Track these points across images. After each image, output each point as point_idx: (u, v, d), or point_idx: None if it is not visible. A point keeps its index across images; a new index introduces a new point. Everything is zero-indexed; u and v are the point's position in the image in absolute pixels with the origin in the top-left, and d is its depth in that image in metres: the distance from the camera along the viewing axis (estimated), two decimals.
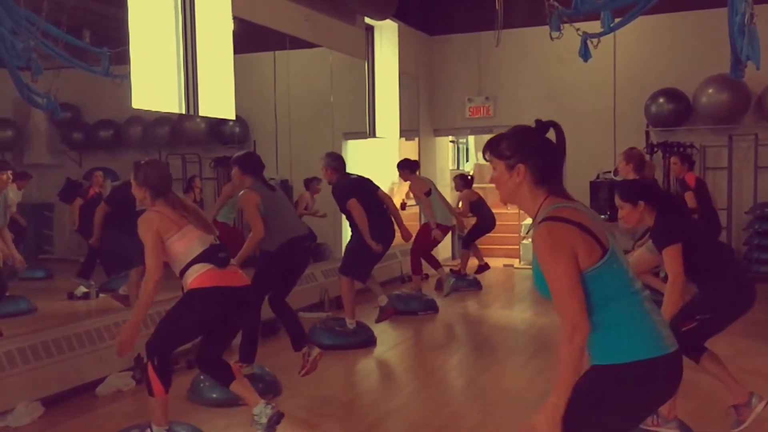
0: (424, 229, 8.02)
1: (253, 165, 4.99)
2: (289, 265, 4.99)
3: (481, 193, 9.70)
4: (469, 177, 9.48)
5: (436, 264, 8.22)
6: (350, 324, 6.21)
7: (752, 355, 5.56)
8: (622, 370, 2.07)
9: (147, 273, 3.48)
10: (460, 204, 9.25)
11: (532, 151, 2.19)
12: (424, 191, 7.84)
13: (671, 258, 3.61)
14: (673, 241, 3.62)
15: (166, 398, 3.61)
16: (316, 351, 4.85)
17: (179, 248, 3.45)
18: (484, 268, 9.18)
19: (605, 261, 2.08)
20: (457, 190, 9.47)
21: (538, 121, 2.23)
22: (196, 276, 3.45)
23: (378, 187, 6.42)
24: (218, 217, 7.58)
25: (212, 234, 3.58)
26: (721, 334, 3.79)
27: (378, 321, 6.38)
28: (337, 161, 6.10)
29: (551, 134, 2.23)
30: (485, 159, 2.32)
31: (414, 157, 10.74)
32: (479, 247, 9.44)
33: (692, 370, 3.82)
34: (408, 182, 8.08)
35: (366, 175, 6.43)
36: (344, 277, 6.12)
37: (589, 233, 2.08)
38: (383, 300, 6.31)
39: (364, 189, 6.14)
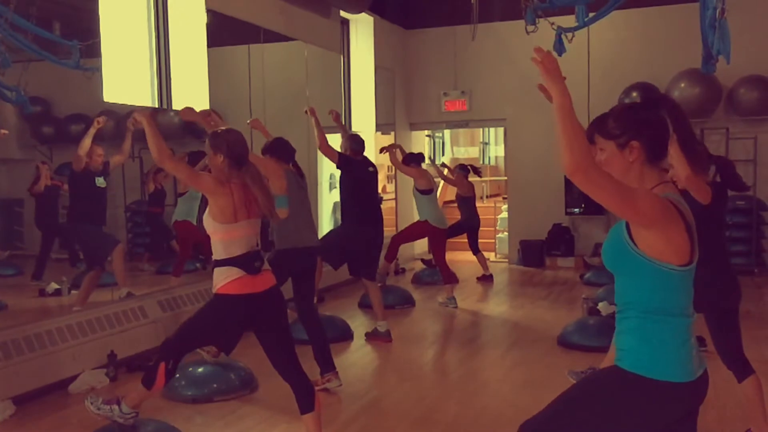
0: (420, 226, 7.91)
1: (283, 150, 4.81)
2: (296, 274, 4.82)
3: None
4: (469, 167, 9.45)
5: (451, 278, 7.89)
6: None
7: None
8: (647, 383, 2.02)
9: (170, 154, 3.44)
10: (446, 172, 9.44)
11: (644, 125, 2.08)
12: (426, 188, 7.72)
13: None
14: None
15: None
16: (336, 383, 4.78)
17: (223, 238, 3.38)
18: (429, 263, 9.40)
19: (687, 270, 2.04)
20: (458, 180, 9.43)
21: (644, 97, 2.15)
22: (227, 282, 3.37)
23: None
24: (178, 216, 7.49)
25: (258, 232, 3.51)
26: (701, 325, 3.81)
27: (368, 339, 6.27)
28: (358, 145, 5.99)
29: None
30: (590, 142, 2.11)
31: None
32: (454, 242, 9.46)
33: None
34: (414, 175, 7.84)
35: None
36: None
37: (690, 234, 2.02)
38: (383, 326, 6.20)
39: (368, 181, 6.05)
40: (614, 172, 2.07)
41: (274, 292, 3.49)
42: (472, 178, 9.56)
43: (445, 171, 9.79)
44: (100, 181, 6.43)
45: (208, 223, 3.41)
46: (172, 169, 3.44)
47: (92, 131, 6.17)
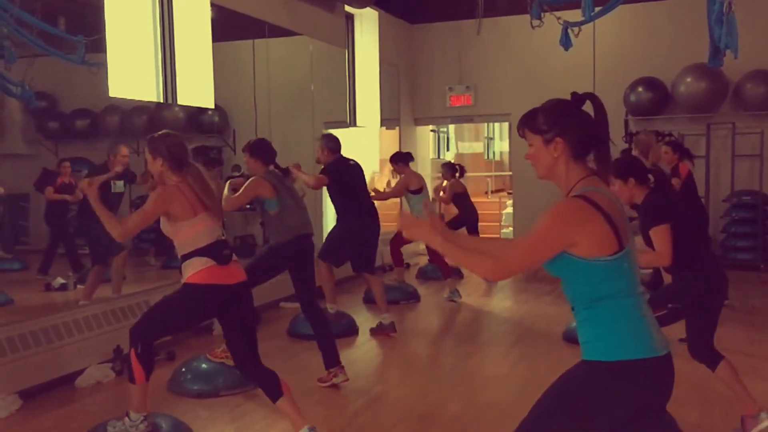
0: None
1: (265, 151, 4.86)
2: (293, 263, 4.87)
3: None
4: (457, 166, 9.44)
5: (451, 272, 7.95)
6: (331, 308, 6.18)
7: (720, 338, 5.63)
8: (609, 367, 2.05)
9: (122, 225, 3.41)
10: (442, 193, 9.26)
11: (569, 123, 2.13)
12: (416, 188, 7.74)
13: (659, 238, 3.57)
14: (661, 221, 3.60)
15: (147, 385, 3.58)
16: (342, 377, 4.80)
17: (187, 234, 3.39)
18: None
19: (618, 257, 2.04)
20: (445, 179, 9.40)
21: (574, 94, 2.17)
22: (196, 271, 3.38)
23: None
24: None
25: (221, 224, 3.53)
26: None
27: (373, 334, 6.27)
28: (333, 142, 6.00)
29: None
30: (520, 135, 2.24)
31: (395, 146, 10.75)
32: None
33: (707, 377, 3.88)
34: (401, 175, 7.82)
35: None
36: (322, 262, 6.08)
37: (611, 224, 2.04)
38: (386, 319, 6.23)
39: (352, 176, 6.07)
40: (542, 166, 2.18)
41: (244, 288, 3.51)
42: (471, 173, 9.44)
43: (441, 192, 9.63)
44: (118, 186, 6.37)
45: (168, 228, 3.42)
46: (131, 233, 3.49)
47: (106, 176, 6.11)
